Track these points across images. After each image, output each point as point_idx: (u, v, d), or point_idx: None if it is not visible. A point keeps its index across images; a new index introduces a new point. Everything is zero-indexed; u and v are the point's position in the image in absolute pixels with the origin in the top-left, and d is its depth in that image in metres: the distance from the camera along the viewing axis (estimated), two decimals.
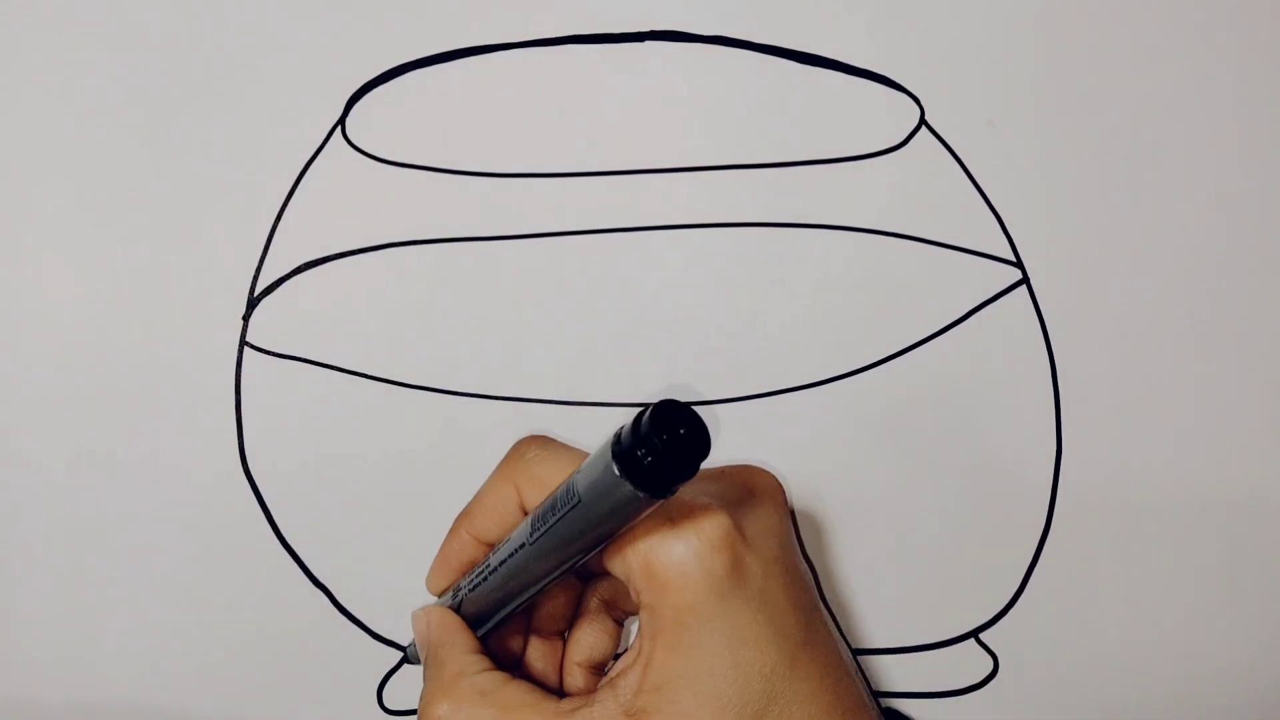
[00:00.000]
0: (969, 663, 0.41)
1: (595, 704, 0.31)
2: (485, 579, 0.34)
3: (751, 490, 0.35)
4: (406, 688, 0.40)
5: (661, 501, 0.28)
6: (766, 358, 0.40)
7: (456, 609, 0.35)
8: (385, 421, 0.40)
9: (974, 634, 0.41)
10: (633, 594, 0.32)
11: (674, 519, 0.31)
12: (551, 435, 0.39)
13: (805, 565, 0.34)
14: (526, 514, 0.34)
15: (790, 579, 0.32)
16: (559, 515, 0.30)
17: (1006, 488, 0.40)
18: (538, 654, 0.37)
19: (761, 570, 0.31)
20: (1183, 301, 0.41)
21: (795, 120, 0.40)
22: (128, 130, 0.40)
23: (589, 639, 0.37)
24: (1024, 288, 0.41)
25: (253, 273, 0.40)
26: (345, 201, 0.40)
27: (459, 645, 0.34)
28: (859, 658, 0.40)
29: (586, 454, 0.32)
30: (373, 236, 0.40)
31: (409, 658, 0.39)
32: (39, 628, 0.40)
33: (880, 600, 0.40)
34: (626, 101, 0.40)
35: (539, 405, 0.40)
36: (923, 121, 0.41)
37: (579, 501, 0.29)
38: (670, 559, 0.30)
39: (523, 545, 0.32)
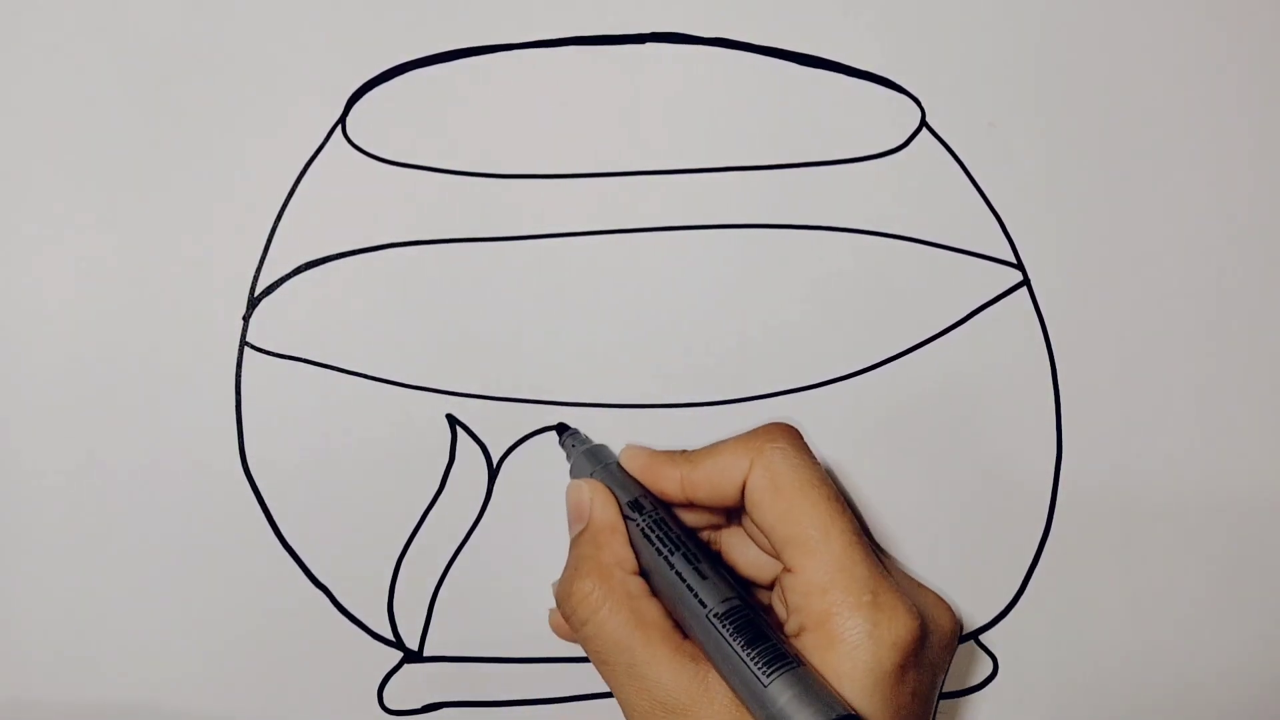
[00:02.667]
0: (969, 663, 0.41)
1: (713, 671, 0.32)
2: (668, 551, 0.34)
3: (937, 620, 0.35)
4: (406, 688, 0.40)
5: None
6: (767, 359, 0.40)
7: (624, 507, 0.35)
8: (385, 421, 0.40)
9: (974, 635, 0.41)
10: (789, 625, 0.33)
11: (878, 596, 0.31)
12: (538, 439, 0.39)
13: (937, 701, 0.35)
14: (745, 493, 0.34)
15: (922, 712, 0.33)
16: (728, 663, 0.31)
17: (1007, 489, 0.40)
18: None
19: (910, 690, 0.32)
20: (1183, 302, 0.41)
21: (796, 122, 0.40)
22: (128, 130, 0.40)
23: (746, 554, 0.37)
24: (1025, 289, 0.41)
25: (253, 273, 0.40)
26: (345, 201, 0.40)
27: (620, 537, 0.35)
28: None
29: (823, 483, 0.33)
30: (373, 236, 0.40)
31: (564, 443, 0.39)
32: (39, 628, 0.40)
33: None
34: (627, 103, 0.40)
35: (539, 405, 0.40)
36: (924, 123, 0.41)
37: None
38: (852, 625, 0.31)
39: (703, 607, 0.32)
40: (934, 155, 0.41)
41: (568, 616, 0.34)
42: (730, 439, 0.35)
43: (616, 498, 0.36)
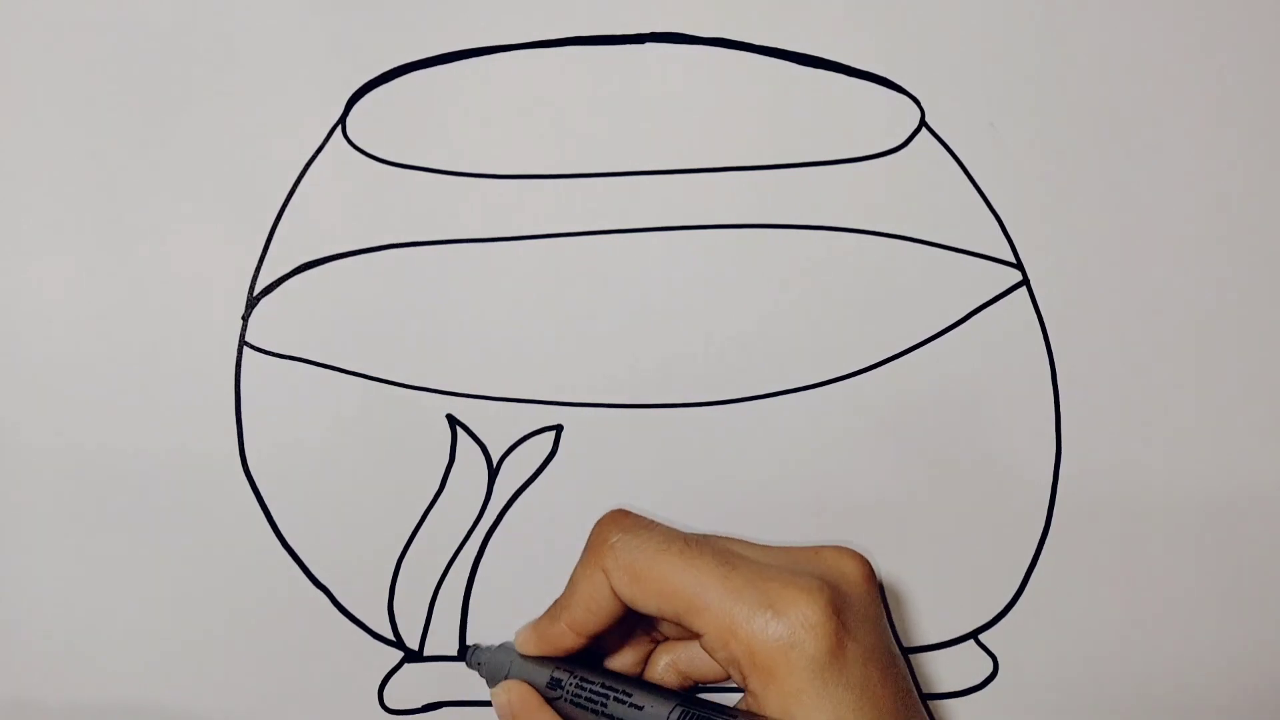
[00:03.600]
0: (969, 663, 0.41)
1: None
2: (595, 709, 0.34)
3: (844, 573, 0.34)
4: (407, 688, 0.40)
5: None
6: (767, 359, 0.40)
7: (544, 690, 0.35)
8: (385, 421, 0.40)
9: (974, 635, 0.41)
10: (735, 677, 0.32)
11: (773, 602, 0.31)
12: (550, 434, 0.39)
13: (899, 651, 0.35)
14: (619, 597, 0.34)
15: (887, 665, 0.32)
16: None
17: (1006, 488, 0.40)
18: None
19: (861, 656, 0.31)
20: (1183, 302, 0.41)
21: (796, 122, 0.40)
22: (127, 130, 0.40)
23: None
24: (1024, 289, 0.41)
25: (252, 273, 0.40)
26: (345, 201, 0.40)
27: (548, 716, 0.35)
28: None
29: (667, 529, 0.34)
30: (373, 236, 0.40)
31: (472, 662, 0.39)
32: (39, 628, 0.40)
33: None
34: (627, 103, 0.40)
35: (539, 405, 0.40)
36: (923, 123, 0.41)
37: None
38: (772, 643, 0.31)
39: None
40: (934, 155, 0.41)
41: None
42: (576, 567, 0.35)
43: (536, 685, 0.36)
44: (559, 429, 0.40)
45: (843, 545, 0.35)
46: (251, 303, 0.40)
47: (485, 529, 0.40)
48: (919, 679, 0.41)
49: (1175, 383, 0.41)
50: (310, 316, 0.40)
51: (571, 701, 0.35)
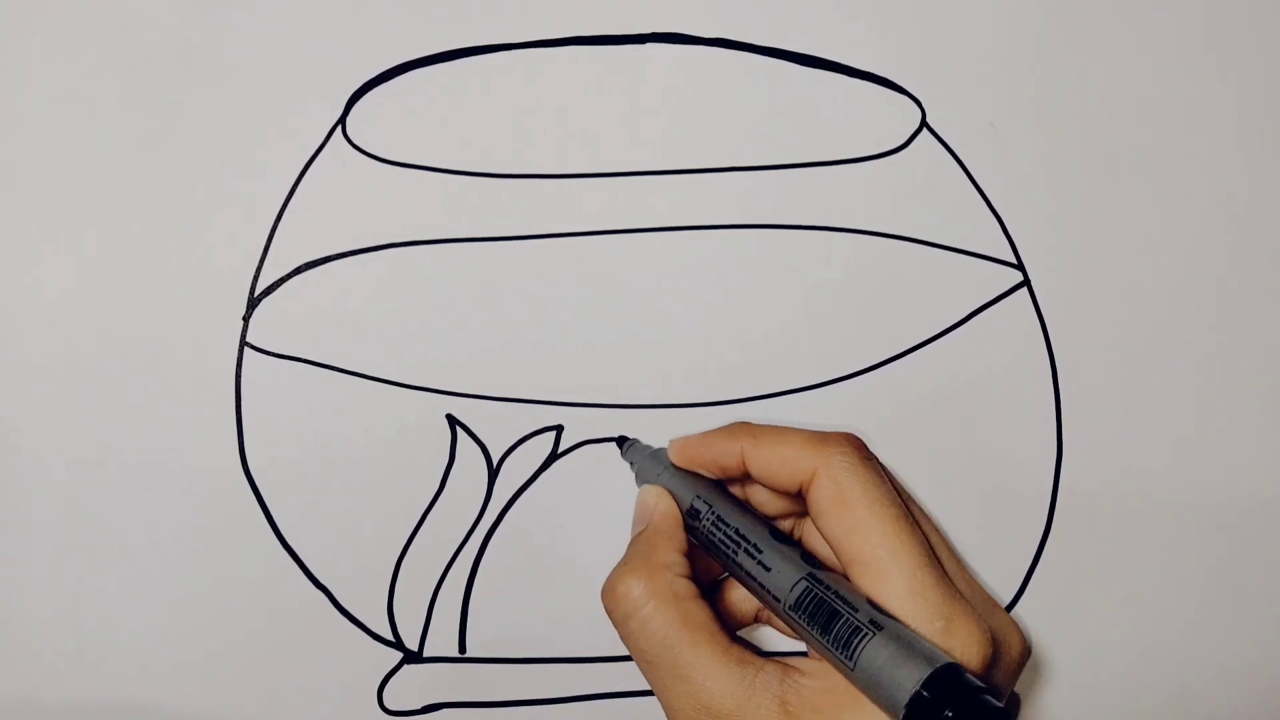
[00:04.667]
0: None
1: (760, 674, 0.32)
2: (726, 551, 0.34)
3: (1009, 644, 0.34)
4: (406, 689, 0.40)
5: None
6: (768, 359, 0.40)
7: (685, 503, 0.35)
8: (385, 422, 0.40)
9: None
10: None
11: (949, 617, 0.30)
12: (550, 434, 0.39)
13: None
14: (799, 493, 0.33)
15: None
16: (817, 637, 0.31)
17: (1007, 489, 0.40)
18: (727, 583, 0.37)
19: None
20: (1183, 303, 0.41)
21: (796, 122, 0.40)
22: (127, 130, 0.40)
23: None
24: (1025, 290, 0.41)
25: (253, 273, 0.40)
26: (345, 201, 0.40)
27: (675, 541, 0.35)
28: None
29: (891, 497, 0.33)
30: (373, 236, 0.40)
31: (626, 453, 0.39)
32: (39, 628, 0.40)
33: None
34: (627, 103, 0.40)
35: (539, 405, 0.40)
36: (924, 123, 0.41)
37: (840, 663, 0.30)
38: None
39: (778, 599, 0.32)
40: (934, 155, 0.41)
41: (610, 612, 0.34)
42: (798, 431, 0.34)
43: (680, 502, 0.36)
44: (559, 429, 0.40)
45: (1016, 619, 0.35)
46: (252, 303, 0.40)
47: (485, 529, 0.40)
48: None
49: (1175, 383, 0.41)
50: (310, 316, 0.40)
51: (707, 537, 0.34)
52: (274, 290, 0.40)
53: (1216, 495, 0.41)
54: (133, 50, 0.40)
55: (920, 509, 0.36)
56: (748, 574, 0.33)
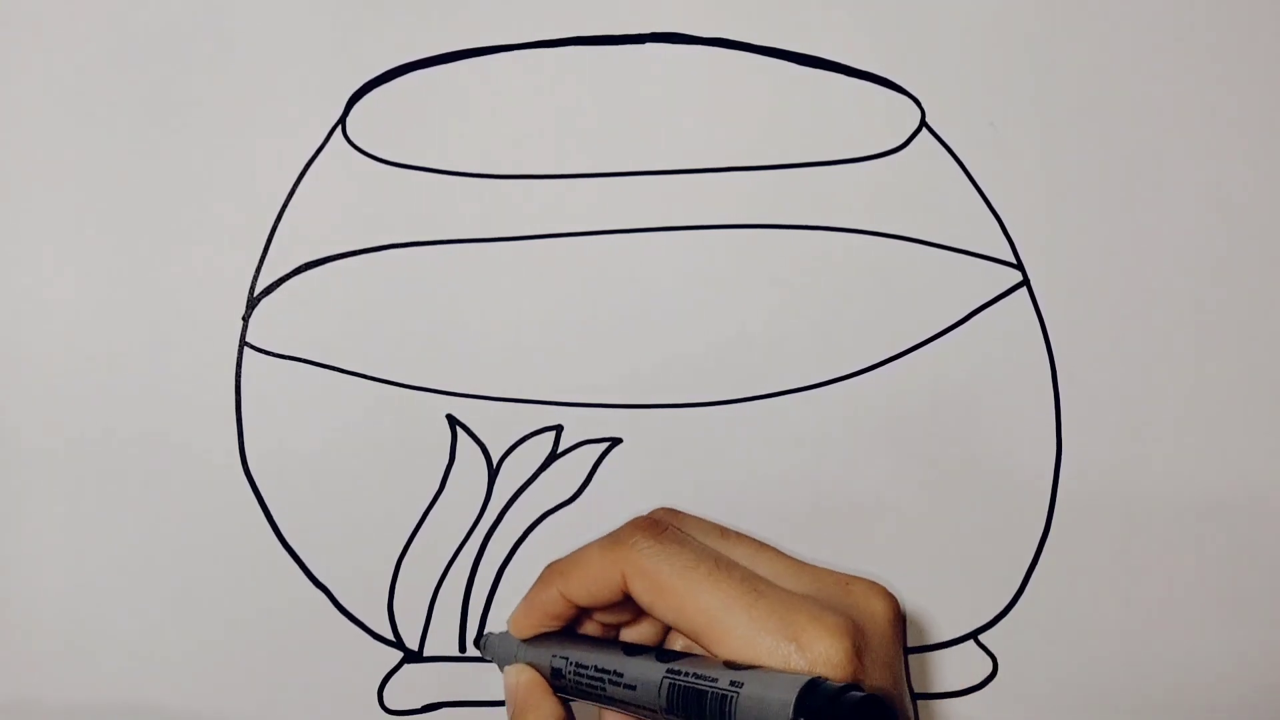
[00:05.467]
0: (969, 663, 0.41)
1: None
2: (597, 692, 0.34)
3: (872, 613, 0.34)
4: (406, 688, 0.40)
5: None
6: (767, 359, 0.40)
7: (548, 677, 0.35)
8: (385, 421, 0.40)
9: (974, 635, 0.41)
10: None
11: (798, 635, 0.31)
12: (550, 434, 0.39)
13: (910, 699, 0.34)
14: (627, 595, 0.33)
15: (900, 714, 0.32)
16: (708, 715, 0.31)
17: (1007, 489, 0.40)
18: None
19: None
20: (1183, 303, 0.41)
21: (796, 122, 0.40)
22: (128, 130, 0.40)
23: None
24: (1024, 290, 0.41)
25: (253, 273, 0.40)
26: (345, 201, 0.40)
27: (545, 710, 0.35)
28: None
29: (700, 546, 0.33)
30: (373, 236, 0.40)
31: (483, 649, 0.39)
32: (39, 628, 0.40)
33: None
34: (627, 103, 0.40)
35: (539, 405, 0.40)
36: (923, 123, 0.41)
37: None
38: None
39: (654, 710, 0.32)
40: (934, 155, 0.41)
41: None
42: (591, 546, 0.35)
43: (541, 670, 0.36)
44: (559, 429, 0.40)
45: (874, 581, 0.35)
46: (252, 303, 0.40)
47: (485, 529, 0.40)
48: (920, 679, 0.41)
49: (1175, 383, 0.41)
50: (310, 316, 0.40)
51: (576, 688, 0.35)
52: (274, 290, 0.40)
53: (1216, 495, 0.41)
54: (133, 50, 0.40)
55: (734, 533, 0.36)
56: (622, 703, 0.33)
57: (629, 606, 0.36)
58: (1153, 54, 0.41)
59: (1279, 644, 0.41)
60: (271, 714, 0.40)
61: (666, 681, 0.32)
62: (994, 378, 0.40)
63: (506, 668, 0.36)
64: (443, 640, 0.40)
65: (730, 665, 0.31)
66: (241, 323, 0.40)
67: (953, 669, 0.41)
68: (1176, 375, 0.41)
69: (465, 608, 0.40)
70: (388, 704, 0.40)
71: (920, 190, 0.40)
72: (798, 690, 0.28)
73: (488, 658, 0.38)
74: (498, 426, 0.40)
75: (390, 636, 0.40)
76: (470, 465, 0.40)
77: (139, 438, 0.40)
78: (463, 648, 0.40)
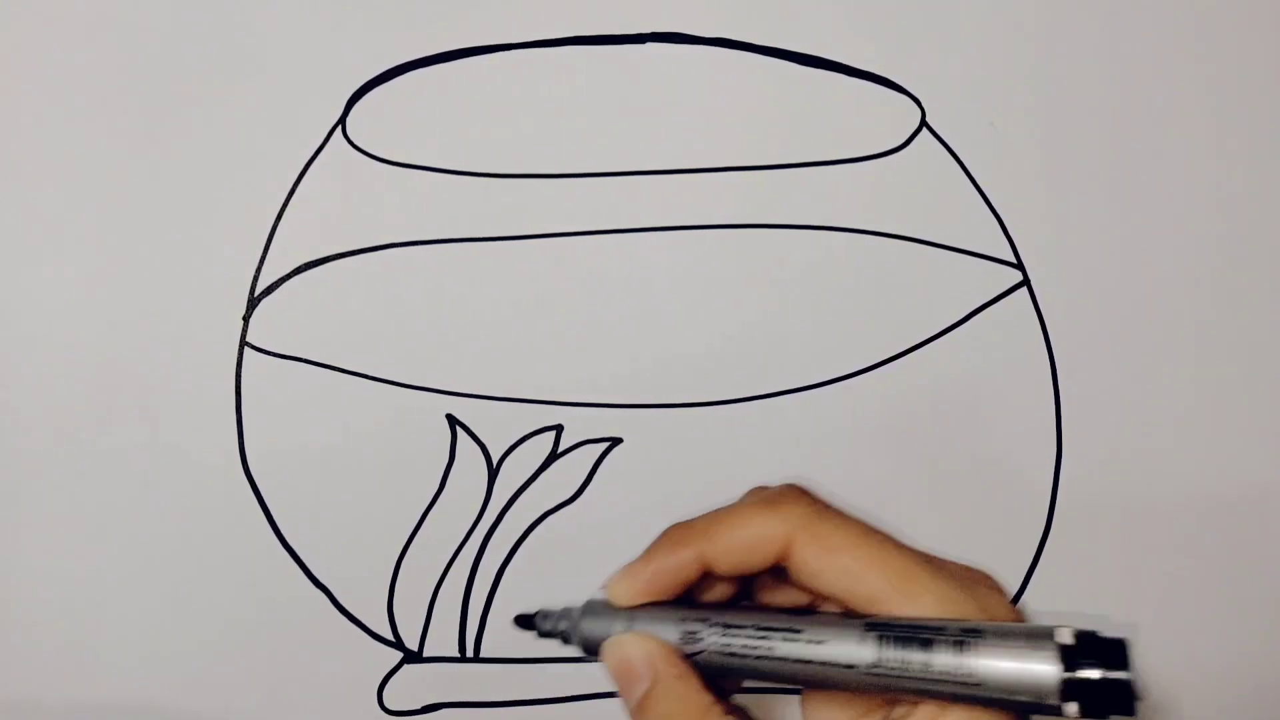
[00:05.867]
0: None
1: None
2: (756, 655, 0.30)
3: (1001, 596, 0.32)
4: (406, 689, 0.40)
5: None
6: (768, 359, 0.40)
7: (670, 637, 0.31)
8: (385, 421, 0.40)
9: None
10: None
11: (983, 605, 0.29)
12: (550, 434, 0.39)
13: None
14: (781, 563, 0.31)
15: None
16: (920, 676, 0.28)
17: (1007, 488, 0.40)
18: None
19: None
20: (1183, 303, 0.41)
21: (796, 122, 0.40)
22: (128, 130, 0.40)
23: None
24: (1025, 289, 0.41)
25: (253, 273, 0.40)
26: (345, 201, 0.40)
27: (695, 683, 0.31)
28: None
29: (865, 525, 0.31)
30: (373, 236, 0.40)
31: (547, 629, 0.33)
32: (39, 628, 0.40)
33: None
34: (627, 103, 0.40)
35: (539, 405, 0.40)
36: (924, 123, 0.41)
37: (960, 683, 0.28)
38: None
39: (851, 666, 0.29)
40: (934, 155, 0.41)
41: None
42: (744, 507, 0.32)
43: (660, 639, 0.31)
44: (559, 429, 0.40)
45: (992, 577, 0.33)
46: (252, 303, 0.40)
47: (485, 529, 0.40)
48: None
49: (1175, 383, 0.41)
50: (310, 316, 0.40)
51: (721, 654, 0.30)
52: (274, 290, 0.40)
53: (1216, 494, 0.41)
54: (133, 51, 0.40)
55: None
56: (796, 660, 0.30)
57: (735, 581, 0.33)
58: (1153, 54, 0.41)
59: (1279, 644, 0.41)
60: (271, 714, 0.40)
61: (875, 633, 0.29)
62: (994, 378, 0.40)
63: (612, 640, 0.31)
64: (443, 641, 0.40)
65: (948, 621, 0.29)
66: (241, 323, 0.40)
67: None
68: (1176, 375, 0.41)
69: (465, 608, 0.40)
70: (387, 704, 0.40)
71: (920, 190, 0.40)
72: (1063, 637, 0.27)
73: (555, 634, 0.33)
74: (498, 426, 0.40)
75: (390, 637, 0.40)
76: (470, 465, 0.40)
77: (139, 437, 0.40)
78: (463, 648, 0.40)
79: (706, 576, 0.32)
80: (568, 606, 0.33)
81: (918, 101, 0.41)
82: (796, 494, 0.32)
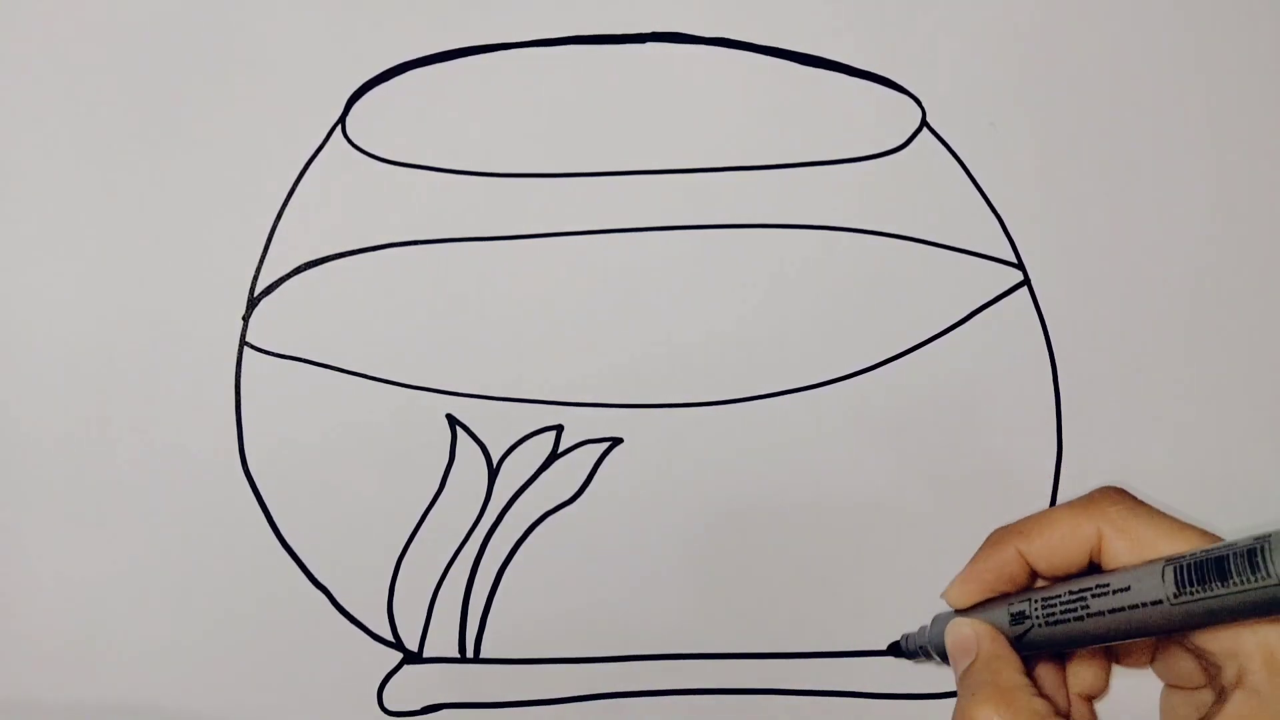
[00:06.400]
0: None
1: None
2: (1074, 617, 0.33)
3: None
4: (406, 689, 0.40)
5: None
6: (768, 359, 0.40)
7: (1006, 630, 0.34)
8: (385, 421, 0.40)
9: None
10: (1227, 669, 0.32)
11: None
12: (550, 434, 0.39)
13: None
14: (1094, 561, 0.33)
15: None
16: (1222, 591, 0.30)
17: (1007, 488, 0.40)
18: (1044, 675, 0.37)
19: None
20: (1183, 303, 0.41)
21: (797, 122, 0.40)
22: (128, 130, 0.40)
23: (1088, 673, 0.37)
24: (1025, 289, 0.41)
25: (253, 273, 0.40)
26: (345, 201, 0.40)
27: (1013, 663, 0.34)
28: (860, 659, 0.40)
29: (1178, 522, 0.33)
30: (373, 236, 0.40)
31: (906, 651, 0.38)
32: (39, 628, 0.40)
33: (880, 601, 0.40)
34: (628, 102, 0.40)
35: (539, 405, 0.40)
36: (924, 123, 0.41)
37: (1258, 587, 0.29)
38: None
39: (1157, 601, 0.31)
40: (934, 155, 0.41)
41: None
42: (1060, 508, 0.34)
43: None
44: (559, 429, 0.40)
45: None
46: (251, 303, 0.40)
47: (485, 529, 0.40)
48: (920, 679, 0.41)
49: (1175, 383, 0.41)
50: (310, 316, 0.40)
51: (1046, 624, 0.33)
52: (274, 290, 0.40)
53: (1216, 495, 0.41)
54: (133, 50, 0.40)
55: None
56: (1111, 611, 0.32)
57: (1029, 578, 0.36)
58: (1153, 54, 0.41)
59: None
60: (271, 714, 0.40)
61: (1169, 567, 0.31)
62: (994, 378, 0.40)
63: (953, 622, 0.35)
64: (442, 641, 0.40)
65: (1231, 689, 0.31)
66: (241, 323, 0.40)
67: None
68: (1176, 375, 0.41)
69: (465, 608, 0.40)
70: (387, 705, 0.40)
71: (920, 190, 0.40)
72: None
73: (917, 655, 0.38)
74: (498, 426, 0.40)
75: (390, 637, 0.40)
76: (470, 465, 0.40)
77: (139, 437, 0.40)
78: (463, 649, 0.40)
79: (1033, 578, 0.35)
80: (909, 634, 0.38)
81: (918, 101, 0.41)
82: (1112, 494, 0.34)
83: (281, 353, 0.40)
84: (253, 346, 0.40)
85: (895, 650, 0.39)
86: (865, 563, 0.40)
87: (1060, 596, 0.33)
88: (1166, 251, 0.41)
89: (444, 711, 0.40)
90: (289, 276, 0.40)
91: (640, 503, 0.40)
